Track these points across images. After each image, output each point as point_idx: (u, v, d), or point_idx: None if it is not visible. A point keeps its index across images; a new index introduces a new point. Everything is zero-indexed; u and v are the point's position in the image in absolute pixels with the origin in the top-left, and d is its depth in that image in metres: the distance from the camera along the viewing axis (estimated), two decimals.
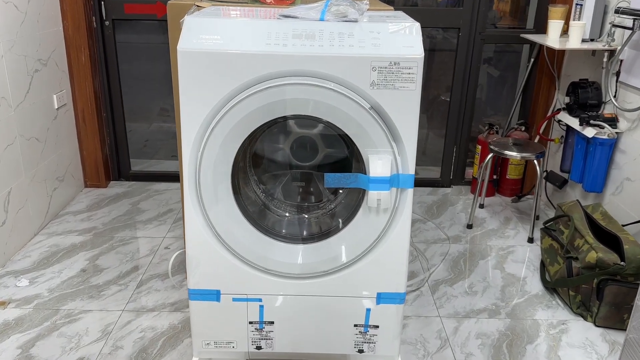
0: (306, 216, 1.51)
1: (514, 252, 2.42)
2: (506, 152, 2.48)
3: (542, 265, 2.25)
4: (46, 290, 2.04)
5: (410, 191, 1.32)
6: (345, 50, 1.25)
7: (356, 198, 1.40)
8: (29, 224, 2.39)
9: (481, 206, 2.87)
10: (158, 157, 3.19)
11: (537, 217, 2.70)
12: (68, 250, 2.32)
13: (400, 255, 1.38)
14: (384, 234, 1.35)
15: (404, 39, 1.27)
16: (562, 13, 2.53)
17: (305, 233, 1.45)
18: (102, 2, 2.74)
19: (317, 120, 1.34)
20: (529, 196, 3.00)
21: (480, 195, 2.75)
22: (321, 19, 1.32)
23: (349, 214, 1.40)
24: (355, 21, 1.32)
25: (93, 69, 2.77)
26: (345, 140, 1.47)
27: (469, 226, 2.63)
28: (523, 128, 2.92)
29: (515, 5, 3.00)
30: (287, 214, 1.53)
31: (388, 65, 1.25)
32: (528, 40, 2.76)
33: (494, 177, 2.99)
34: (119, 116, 2.95)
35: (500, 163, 2.99)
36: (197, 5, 1.77)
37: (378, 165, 1.27)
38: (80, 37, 2.69)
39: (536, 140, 2.88)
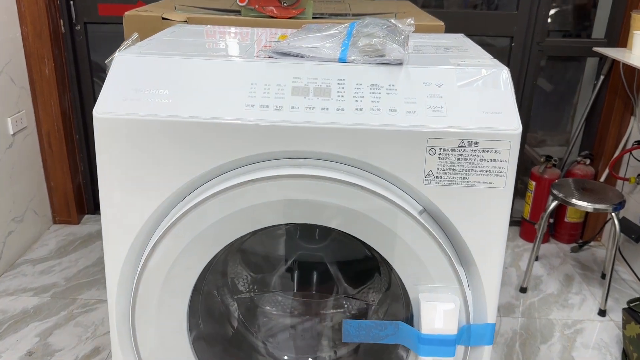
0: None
1: (584, 332, 1.88)
2: (574, 201, 1.93)
3: (625, 356, 1.71)
4: None
5: (487, 349, 0.79)
6: (382, 119, 0.72)
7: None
8: None
9: (535, 258, 2.32)
10: None
11: (604, 276, 2.15)
12: (16, 320, 1.83)
13: None
14: None
15: (485, 97, 0.74)
16: None
17: None
18: (72, 3, 2.22)
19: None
20: (591, 244, 2.44)
21: (537, 248, 2.21)
22: (342, 60, 0.79)
23: None
24: (399, 64, 0.78)
25: (60, 83, 2.26)
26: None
27: (523, 290, 2.09)
28: (588, 161, 2.35)
29: (576, 11, 2.42)
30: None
31: (458, 146, 0.72)
32: (598, 54, 2.19)
33: (550, 220, 2.44)
34: (94, 138, 2.44)
35: (558, 203, 2.43)
36: (164, 18, 1.24)
37: (436, 315, 0.74)
38: (43, 45, 2.18)
39: (603, 178, 2.31)
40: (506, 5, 2.34)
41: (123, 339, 0.80)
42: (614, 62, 2.23)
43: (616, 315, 1.97)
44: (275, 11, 1.36)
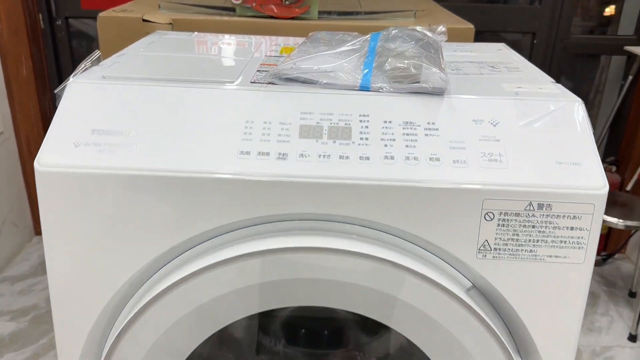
0: None
1: None
2: (604, 217, 1.75)
3: None
4: None
5: None
6: (420, 172, 0.54)
7: None
8: None
9: None
10: None
11: (632, 294, 1.98)
12: None
13: None
14: None
15: (557, 141, 0.55)
16: None
17: None
18: None
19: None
20: (616, 256, 2.27)
21: None
22: (364, 87, 0.60)
23: None
24: (440, 93, 0.59)
25: (39, 83, 2.07)
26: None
27: None
28: (614, 168, 2.17)
29: (600, 4, 2.22)
30: None
31: (524, 210, 0.53)
32: (627, 52, 2.00)
33: None
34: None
35: None
36: (145, 20, 1.05)
37: None
38: (19, 42, 1.98)
39: (630, 187, 2.13)
40: None
41: None
42: None
43: None
44: (275, 10, 1.17)
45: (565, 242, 0.54)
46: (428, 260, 0.56)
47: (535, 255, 0.55)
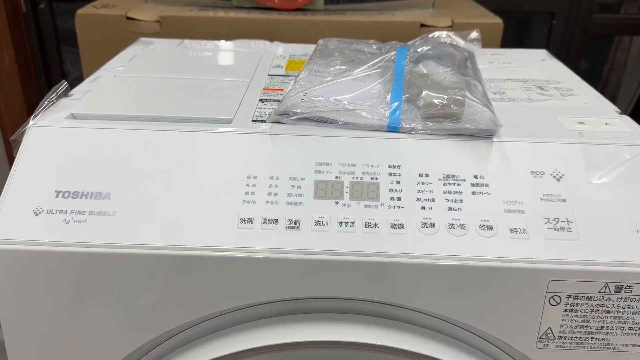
0: None
1: None
2: None
3: None
4: None
5: None
6: (471, 245, 0.43)
7: None
8: None
9: None
10: None
11: None
12: None
13: None
14: None
15: (637, 204, 0.44)
16: None
17: None
18: None
19: None
20: None
21: None
22: (392, 128, 0.48)
23: None
24: (489, 136, 0.48)
25: (24, 72, 1.94)
26: None
27: None
28: None
29: None
30: None
31: (598, 293, 0.42)
32: None
33: None
34: None
35: None
36: (130, 18, 0.93)
37: None
38: (0, 30, 1.84)
39: None
40: None
41: None
42: None
43: None
44: (276, 0, 1.04)
45: None
46: (482, 350, 0.45)
47: (608, 345, 0.44)
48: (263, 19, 0.97)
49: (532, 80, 0.62)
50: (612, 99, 2.14)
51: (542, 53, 0.73)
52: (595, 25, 1.94)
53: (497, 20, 0.95)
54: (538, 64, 0.68)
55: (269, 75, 0.63)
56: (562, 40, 1.94)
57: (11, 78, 1.90)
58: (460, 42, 0.67)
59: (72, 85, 0.57)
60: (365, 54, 0.62)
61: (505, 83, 0.61)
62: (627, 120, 0.53)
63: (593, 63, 2.16)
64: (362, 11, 1.08)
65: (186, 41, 0.76)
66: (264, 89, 0.59)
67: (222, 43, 0.75)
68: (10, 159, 1.96)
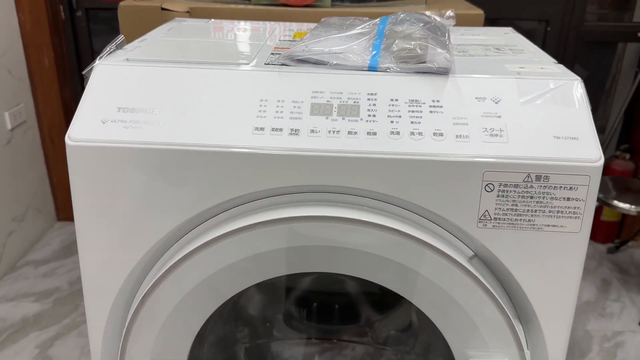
0: None
1: (624, 345, 1.73)
2: (615, 202, 1.77)
3: None
4: None
5: None
6: (425, 146, 0.57)
7: None
8: None
9: None
10: None
11: None
12: (16, 330, 1.72)
13: None
14: None
15: (556, 117, 0.58)
16: None
17: None
18: None
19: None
20: (629, 244, 2.27)
21: None
22: (372, 68, 0.63)
23: None
24: (445, 73, 0.62)
25: (61, 73, 2.13)
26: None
27: None
28: (628, 156, 2.17)
29: None
30: None
31: (523, 182, 0.56)
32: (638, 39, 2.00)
33: None
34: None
35: None
36: (164, 9, 1.09)
37: None
38: (42, 33, 2.04)
39: None
40: None
41: None
42: None
43: None
44: None
45: (562, 212, 0.57)
46: (432, 230, 0.59)
47: (533, 225, 0.58)
48: (278, 11, 1.13)
49: (492, 45, 0.77)
50: (610, 104, 2.27)
51: (508, 29, 0.88)
52: (587, 32, 2.08)
53: (479, 12, 1.10)
54: (502, 36, 0.83)
55: (279, 40, 0.78)
56: (557, 46, 2.09)
57: (50, 78, 2.09)
58: (437, 18, 0.82)
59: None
60: (358, 23, 0.77)
61: (470, 46, 0.76)
62: (561, 66, 0.67)
63: (594, 72, 2.30)
64: (364, 8, 1.24)
65: (212, 20, 0.92)
66: (275, 47, 0.74)
67: (243, 22, 0.91)
68: (47, 152, 2.14)
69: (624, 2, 2.23)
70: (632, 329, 1.80)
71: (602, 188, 1.83)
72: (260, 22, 0.94)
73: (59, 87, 2.12)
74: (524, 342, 0.62)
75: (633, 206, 1.74)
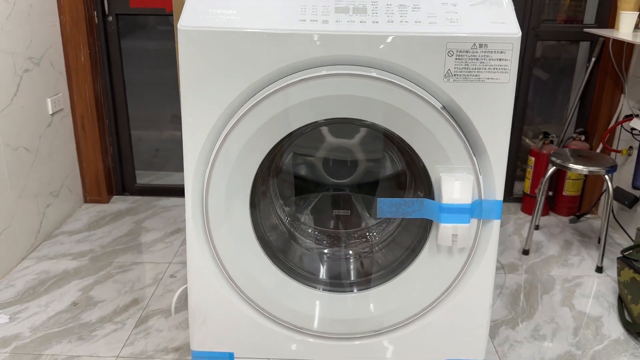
0: (348, 253, 1.15)
1: (582, 285, 2.03)
2: (571, 165, 2.11)
3: (621, 302, 1.87)
4: (28, 330, 1.70)
5: (496, 224, 0.96)
6: (410, 28, 0.90)
7: (417, 232, 1.04)
8: (16, 246, 2.06)
9: (536, 227, 2.49)
10: (168, 169, 2.86)
11: (599, 241, 2.31)
12: (59, 279, 1.99)
13: (479, 311, 1.01)
14: (457, 283, 0.99)
15: (492, 12, 0.91)
16: (636, 4, 2.15)
17: (347, 278, 1.09)
18: None
19: (362, 123, 0.98)
20: (588, 215, 2.61)
21: (537, 215, 2.38)
22: None
23: (409, 253, 1.04)
24: None
25: (94, 70, 2.45)
26: (402, 150, 1.11)
27: (525, 252, 2.25)
28: (583, 138, 2.53)
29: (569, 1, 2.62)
30: (324, 250, 1.17)
31: (471, 49, 0.89)
32: (590, 37, 2.39)
33: (549, 193, 2.61)
34: (123, 123, 2.63)
35: (556, 178, 2.61)
36: None
37: (454, 188, 0.91)
38: (79, 33, 2.37)
39: (599, 151, 2.49)
40: None
41: (197, 221, 0.96)
42: (604, 45, 2.42)
43: (612, 272, 2.13)
44: None
45: (496, 68, 0.90)
46: (416, 84, 0.92)
47: (479, 78, 0.91)
48: None
49: None
50: (567, 94, 2.64)
51: None
52: (544, 33, 2.47)
53: None
54: None
55: None
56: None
57: (84, 73, 2.41)
58: None
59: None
60: None
61: None
62: None
63: (553, 68, 2.67)
64: None
65: None
66: None
67: None
68: (78, 139, 2.43)
69: (576, 9, 2.64)
70: (588, 274, 2.11)
71: (562, 157, 2.17)
72: None
73: (92, 82, 2.44)
74: (477, 165, 0.94)
75: (585, 167, 2.08)
